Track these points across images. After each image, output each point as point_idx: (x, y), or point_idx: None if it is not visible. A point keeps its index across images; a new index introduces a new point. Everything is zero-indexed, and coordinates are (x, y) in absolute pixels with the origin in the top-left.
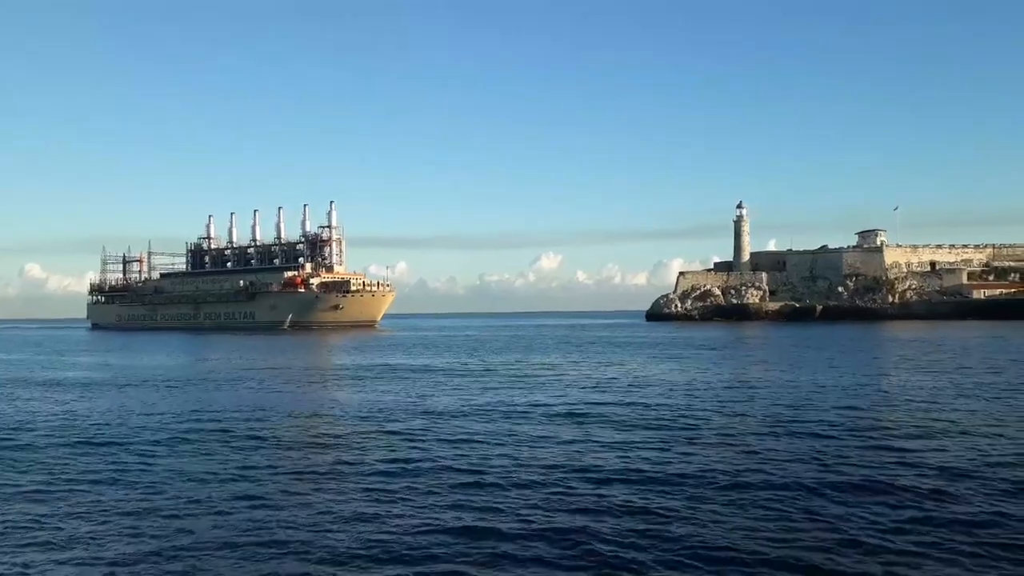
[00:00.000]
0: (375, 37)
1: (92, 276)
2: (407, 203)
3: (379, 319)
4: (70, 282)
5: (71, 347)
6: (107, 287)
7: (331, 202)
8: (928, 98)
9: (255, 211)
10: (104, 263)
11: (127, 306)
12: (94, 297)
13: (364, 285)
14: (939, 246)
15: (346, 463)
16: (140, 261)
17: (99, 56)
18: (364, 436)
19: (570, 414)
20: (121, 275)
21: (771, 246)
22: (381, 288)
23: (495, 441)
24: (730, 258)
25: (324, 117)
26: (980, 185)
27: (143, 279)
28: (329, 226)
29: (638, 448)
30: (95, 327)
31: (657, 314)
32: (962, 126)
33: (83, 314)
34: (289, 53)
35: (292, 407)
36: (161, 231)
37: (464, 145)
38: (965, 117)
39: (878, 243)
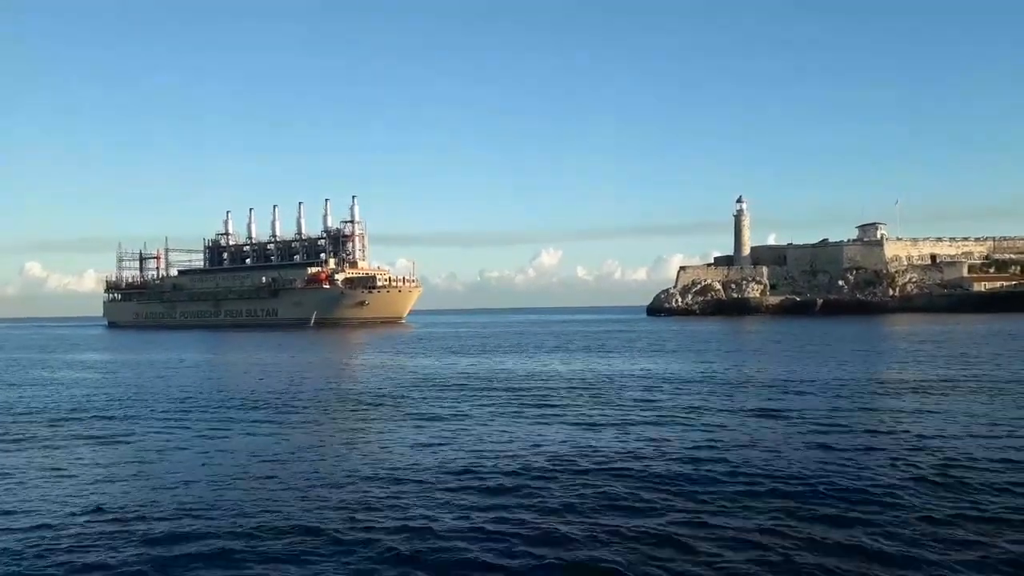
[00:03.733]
0: (376, 36)
1: (109, 274)
2: (406, 200)
3: (405, 315)
4: (70, 280)
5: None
6: (124, 285)
7: (353, 197)
8: (928, 91)
9: (274, 206)
10: (120, 260)
11: (145, 304)
12: (110, 295)
13: (390, 281)
14: (939, 239)
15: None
16: (157, 258)
17: (107, 53)
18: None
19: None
20: (138, 272)
21: (771, 240)
22: (407, 284)
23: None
24: (730, 253)
25: (319, 117)
26: (980, 178)
27: (160, 276)
28: (352, 221)
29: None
30: (112, 325)
31: (658, 309)
32: (962, 119)
33: (83, 312)
34: (290, 52)
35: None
36: (165, 229)
37: (464, 142)
38: (965, 110)
39: (878, 236)
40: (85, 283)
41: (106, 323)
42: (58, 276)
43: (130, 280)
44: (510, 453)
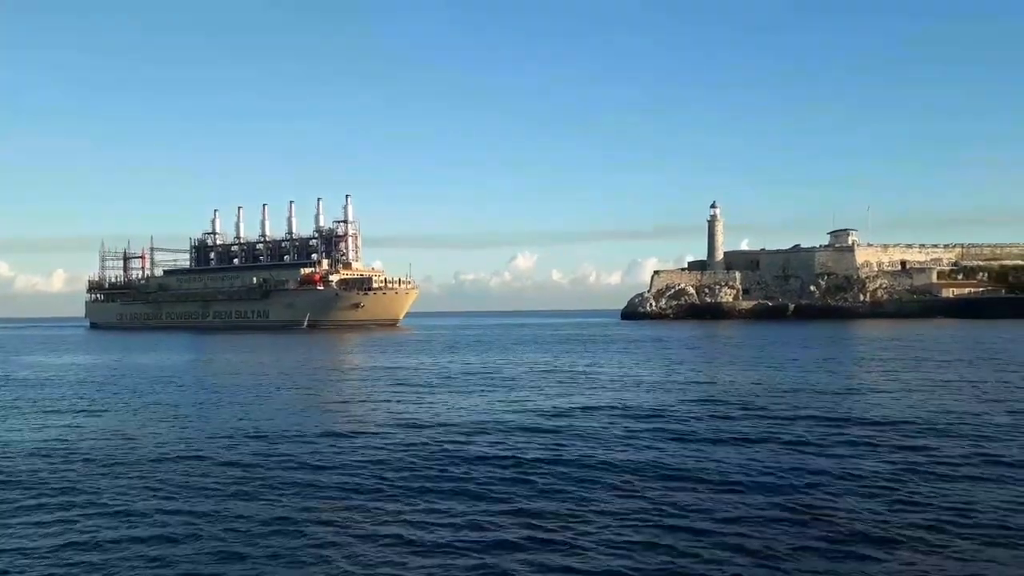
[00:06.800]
0: (359, 40)
1: (91, 273)
2: (382, 202)
3: (401, 318)
4: (38, 280)
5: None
6: (107, 285)
7: (347, 196)
8: (900, 99)
9: (264, 205)
10: (103, 260)
11: (129, 304)
12: (93, 295)
13: (386, 282)
14: (909, 246)
15: None
16: (142, 258)
17: (100, 49)
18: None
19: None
20: (121, 272)
21: (744, 246)
22: (404, 286)
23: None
24: (704, 258)
25: (304, 117)
26: (950, 186)
27: (146, 276)
28: (345, 221)
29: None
30: (94, 326)
31: (632, 313)
32: (933, 127)
33: (54, 312)
34: (284, 52)
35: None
36: (145, 228)
37: (440, 145)
38: (936, 118)
39: (850, 243)
40: (54, 283)
41: (88, 324)
42: (25, 276)
43: (113, 280)
44: None
